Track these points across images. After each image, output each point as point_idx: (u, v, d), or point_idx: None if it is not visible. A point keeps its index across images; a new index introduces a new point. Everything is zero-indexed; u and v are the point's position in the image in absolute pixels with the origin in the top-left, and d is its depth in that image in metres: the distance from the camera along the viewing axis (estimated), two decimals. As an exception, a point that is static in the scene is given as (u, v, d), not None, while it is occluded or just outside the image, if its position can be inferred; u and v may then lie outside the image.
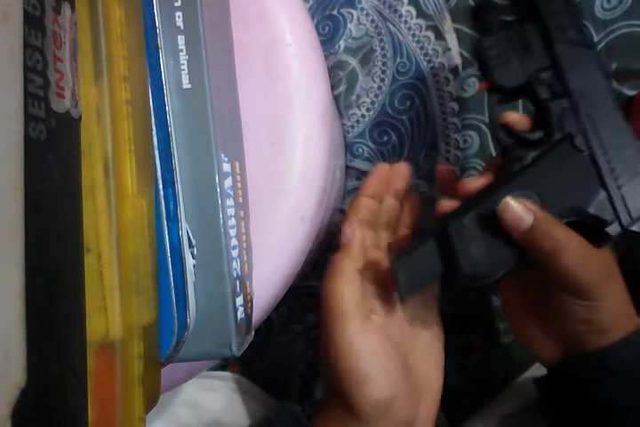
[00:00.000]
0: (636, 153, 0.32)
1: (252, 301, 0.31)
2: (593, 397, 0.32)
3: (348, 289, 0.31)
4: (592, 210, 0.31)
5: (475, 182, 0.34)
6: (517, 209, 0.30)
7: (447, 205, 0.34)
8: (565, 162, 0.32)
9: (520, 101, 0.47)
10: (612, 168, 0.32)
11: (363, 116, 0.50)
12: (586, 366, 0.32)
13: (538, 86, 0.34)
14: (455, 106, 0.50)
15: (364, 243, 0.33)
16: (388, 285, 0.34)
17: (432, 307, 0.35)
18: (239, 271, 0.29)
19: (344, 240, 0.32)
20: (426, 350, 0.34)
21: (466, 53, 0.49)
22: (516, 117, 0.34)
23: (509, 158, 0.34)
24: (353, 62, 0.50)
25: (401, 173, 0.36)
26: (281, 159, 0.32)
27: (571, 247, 0.30)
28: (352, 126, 0.50)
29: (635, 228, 0.32)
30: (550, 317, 0.33)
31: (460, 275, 0.31)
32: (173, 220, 0.26)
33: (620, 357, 0.31)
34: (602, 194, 0.32)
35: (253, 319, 0.31)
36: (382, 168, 0.36)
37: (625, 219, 0.31)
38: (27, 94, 0.18)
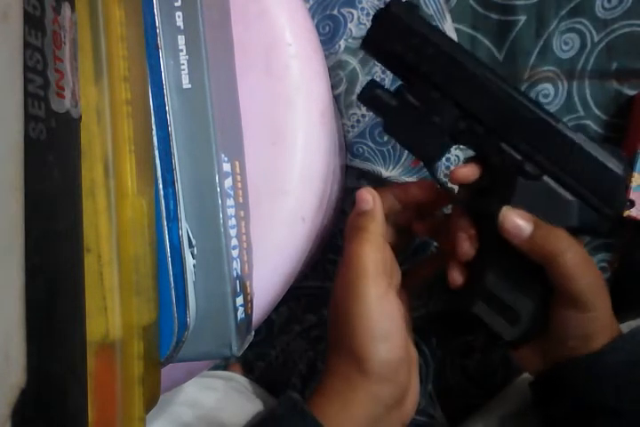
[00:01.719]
0: (572, 145, 0.32)
1: (252, 301, 0.31)
2: (586, 402, 0.32)
3: (377, 251, 0.32)
4: (579, 223, 0.32)
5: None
6: (516, 218, 0.32)
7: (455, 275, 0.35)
8: (529, 192, 0.32)
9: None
10: (571, 171, 0.32)
11: (363, 116, 0.50)
12: (577, 372, 0.32)
13: (461, 138, 0.34)
14: (455, 106, 0.50)
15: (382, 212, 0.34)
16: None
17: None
18: (239, 271, 0.29)
19: (364, 205, 0.33)
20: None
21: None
22: (465, 171, 0.34)
23: (479, 214, 0.34)
24: (353, 62, 0.50)
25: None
26: (281, 159, 0.32)
27: (572, 249, 0.31)
28: (352, 126, 0.50)
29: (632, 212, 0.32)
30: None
31: (509, 343, 0.34)
32: (173, 219, 0.26)
33: (610, 361, 0.31)
34: (578, 202, 0.32)
35: (253, 319, 0.31)
36: (430, 187, 0.37)
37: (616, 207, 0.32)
38: (27, 94, 0.18)
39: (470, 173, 0.34)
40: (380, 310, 0.31)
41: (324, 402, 0.32)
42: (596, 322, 0.31)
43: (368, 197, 0.33)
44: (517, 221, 0.31)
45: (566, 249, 0.30)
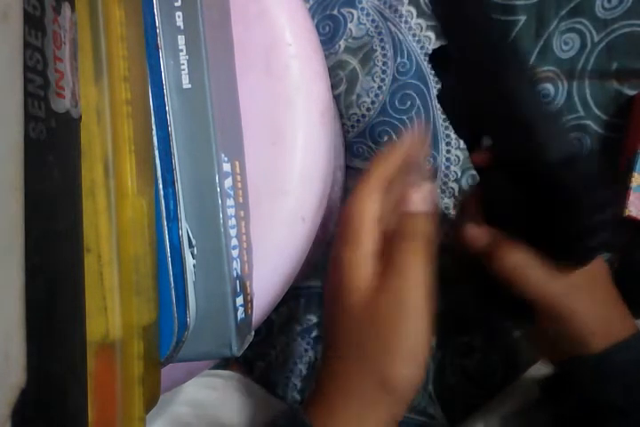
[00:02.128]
0: None
1: (252, 301, 0.31)
2: (593, 401, 0.32)
3: (372, 206, 0.30)
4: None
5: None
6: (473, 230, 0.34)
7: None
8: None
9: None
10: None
11: (363, 116, 0.50)
12: (583, 370, 0.32)
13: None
14: (455, 106, 0.50)
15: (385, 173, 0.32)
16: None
17: None
18: (239, 271, 0.29)
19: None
20: None
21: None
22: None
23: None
24: (353, 62, 0.50)
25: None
26: (281, 159, 0.32)
27: (512, 256, 0.32)
28: (352, 126, 0.50)
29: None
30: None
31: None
32: (173, 220, 0.26)
33: (618, 360, 0.31)
34: None
35: (253, 319, 0.31)
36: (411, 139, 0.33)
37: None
38: (27, 94, 0.18)
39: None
40: (424, 321, 0.28)
41: (337, 423, 0.29)
42: (584, 325, 0.31)
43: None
44: (475, 232, 0.34)
45: (504, 256, 0.32)
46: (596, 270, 0.33)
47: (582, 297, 0.32)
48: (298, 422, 0.29)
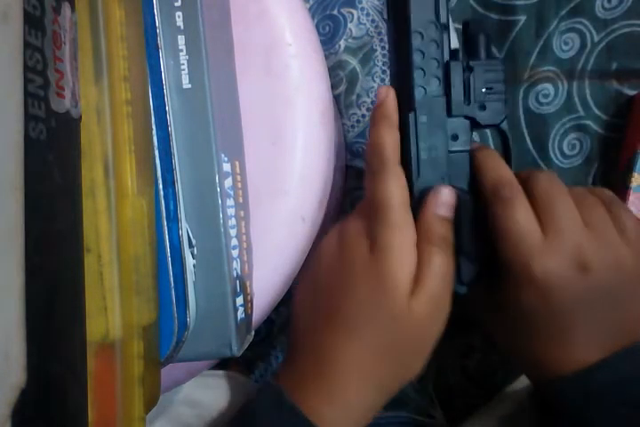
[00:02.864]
0: None
1: (252, 301, 0.31)
2: (575, 420, 0.30)
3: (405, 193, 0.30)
4: None
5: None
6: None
7: None
8: None
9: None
10: None
11: (363, 115, 0.50)
12: (564, 389, 0.30)
13: None
14: (455, 106, 0.50)
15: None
16: None
17: None
18: (239, 271, 0.29)
19: (380, 100, 0.31)
20: None
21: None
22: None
23: None
24: (353, 62, 0.50)
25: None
26: (281, 159, 0.32)
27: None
28: (352, 126, 0.50)
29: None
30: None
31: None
32: (173, 220, 0.26)
33: (601, 378, 0.29)
34: None
35: (253, 319, 0.31)
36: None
37: None
38: (27, 94, 0.18)
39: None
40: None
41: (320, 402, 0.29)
42: (555, 348, 0.30)
43: (381, 90, 0.31)
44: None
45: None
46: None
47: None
48: (284, 404, 0.29)
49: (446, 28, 0.31)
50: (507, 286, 0.30)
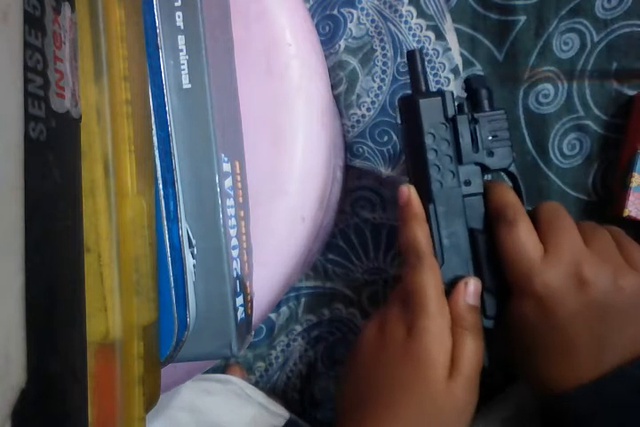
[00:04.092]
0: None
1: (252, 301, 0.31)
2: None
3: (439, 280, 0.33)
4: None
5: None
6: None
7: None
8: None
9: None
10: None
11: (363, 116, 0.50)
12: (569, 405, 0.31)
13: None
14: (455, 106, 0.50)
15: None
16: None
17: None
18: (239, 271, 0.29)
19: (405, 199, 0.34)
20: None
21: (466, 53, 0.49)
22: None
23: None
24: (353, 62, 0.50)
25: None
26: (281, 159, 0.32)
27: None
28: (352, 126, 0.50)
29: None
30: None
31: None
32: (173, 220, 0.26)
33: (607, 393, 0.30)
34: None
35: (253, 319, 0.31)
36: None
37: None
38: (27, 94, 0.18)
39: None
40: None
41: None
42: (557, 363, 0.31)
43: (403, 189, 0.34)
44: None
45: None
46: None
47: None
48: None
49: (455, 120, 0.34)
50: (512, 303, 0.32)
